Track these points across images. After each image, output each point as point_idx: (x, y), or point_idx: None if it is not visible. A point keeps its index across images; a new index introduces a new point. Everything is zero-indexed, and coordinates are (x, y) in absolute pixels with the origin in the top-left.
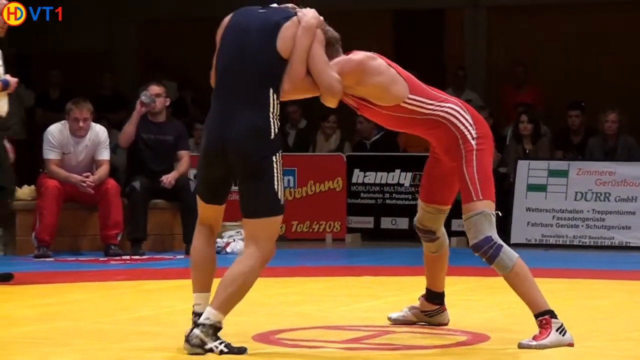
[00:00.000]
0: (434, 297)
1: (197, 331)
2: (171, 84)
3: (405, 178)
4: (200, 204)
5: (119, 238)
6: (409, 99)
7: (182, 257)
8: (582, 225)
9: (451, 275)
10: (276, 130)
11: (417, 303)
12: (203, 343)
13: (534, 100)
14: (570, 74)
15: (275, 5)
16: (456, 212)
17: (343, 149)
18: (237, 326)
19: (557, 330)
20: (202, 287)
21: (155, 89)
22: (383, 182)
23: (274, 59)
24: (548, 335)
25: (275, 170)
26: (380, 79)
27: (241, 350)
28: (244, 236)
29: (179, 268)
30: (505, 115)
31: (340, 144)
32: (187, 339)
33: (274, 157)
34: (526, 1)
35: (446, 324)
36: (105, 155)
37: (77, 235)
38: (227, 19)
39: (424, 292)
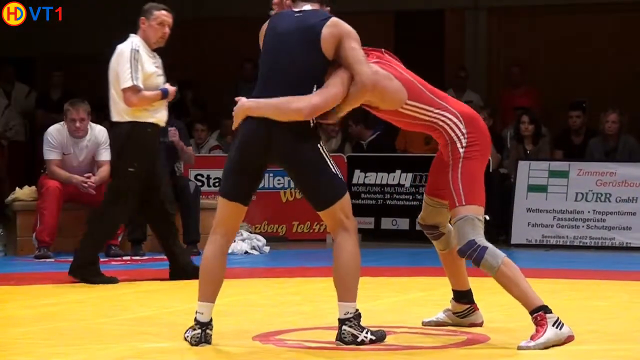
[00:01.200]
0: (461, 296)
1: (347, 328)
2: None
3: (406, 179)
4: (223, 206)
5: (119, 239)
6: (407, 104)
7: None
8: (583, 226)
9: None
10: (314, 121)
11: (450, 305)
12: (355, 337)
13: (531, 101)
14: (571, 75)
15: (308, 6)
16: None
17: (344, 149)
18: (237, 326)
19: (553, 325)
20: (207, 297)
21: None
22: (383, 182)
23: (318, 59)
24: (545, 332)
25: (325, 155)
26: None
27: (382, 335)
28: (328, 226)
29: None
30: (501, 116)
31: (341, 144)
32: (341, 339)
33: (319, 145)
34: (526, 2)
35: (480, 324)
36: (105, 156)
37: (77, 235)
38: (265, 25)
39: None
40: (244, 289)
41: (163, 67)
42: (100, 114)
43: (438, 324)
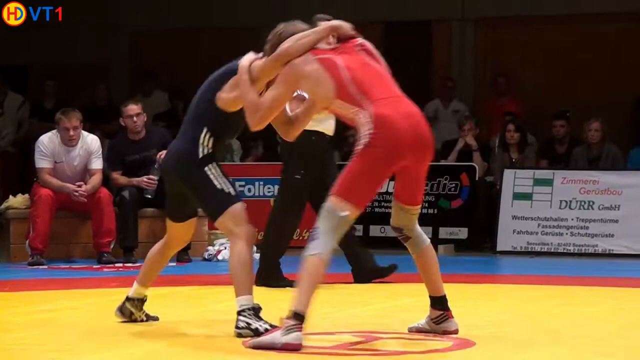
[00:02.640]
0: (435, 302)
1: (241, 318)
2: (162, 94)
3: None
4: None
5: (111, 246)
6: (336, 103)
7: (174, 264)
8: (567, 233)
9: None
10: (207, 150)
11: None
12: (249, 325)
13: (516, 110)
14: (555, 84)
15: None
16: (443, 220)
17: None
18: (230, 332)
19: (284, 330)
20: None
21: (133, 108)
22: None
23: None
24: (271, 334)
25: (210, 175)
26: (303, 82)
27: (297, 337)
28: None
29: (170, 275)
30: (487, 126)
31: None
32: (236, 327)
33: (205, 168)
34: (512, 12)
35: (453, 332)
36: (97, 164)
37: (70, 243)
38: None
39: None
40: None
41: (155, 76)
42: (92, 123)
43: (419, 330)
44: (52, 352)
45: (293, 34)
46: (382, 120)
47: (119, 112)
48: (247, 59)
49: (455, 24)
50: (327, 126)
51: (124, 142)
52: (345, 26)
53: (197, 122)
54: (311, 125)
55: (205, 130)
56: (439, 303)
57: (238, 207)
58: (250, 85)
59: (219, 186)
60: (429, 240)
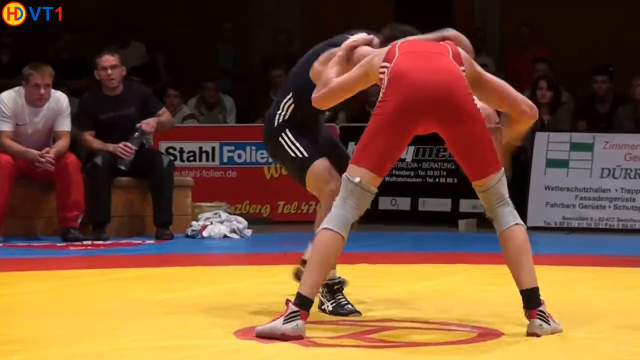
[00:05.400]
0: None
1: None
2: (139, 46)
3: (407, 152)
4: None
5: (79, 220)
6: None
7: (152, 242)
8: (610, 206)
9: (458, 262)
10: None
11: None
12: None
13: (547, 58)
14: (595, 33)
15: None
16: (463, 191)
17: (337, 119)
18: (216, 320)
19: (285, 316)
20: None
21: (109, 59)
22: None
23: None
24: (274, 320)
25: (285, 144)
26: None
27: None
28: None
29: (149, 254)
30: (512, 82)
31: (333, 114)
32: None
33: (280, 138)
34: None
35: (533, 335)
36: (65, 125)
37: (30, 217)
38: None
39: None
40: (222, 277)
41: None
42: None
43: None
44: (12, 343)
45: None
46: (397, 72)
47: (88, 65)
48: (357, 37)
49: None
50: None
51: (97, 97)
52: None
53: (289, 85)
54: None
55: (290, 94)
56: (523, 299)
57: (315, 167)
58: (338, 63)
59: (293, 154)
60: (512, 222)
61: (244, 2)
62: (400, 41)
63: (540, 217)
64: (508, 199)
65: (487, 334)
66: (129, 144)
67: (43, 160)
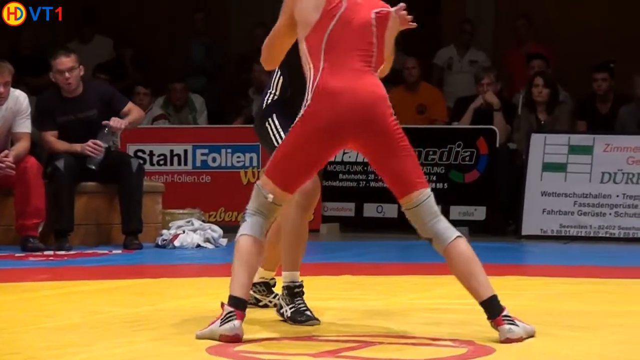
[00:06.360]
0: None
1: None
2: (106, 40)
3: None
4: None
5: (40, 229)
6: (304, 44)
7: (120, 252)
8: (610, 213)
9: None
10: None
11: None
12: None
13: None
14: (594, 30)
15: None
16: (454, 197)
17: None
18: (188, 336)
19: (221, 318)
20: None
21: (64, 61)
22: (366, 160)
23: None
24: (212, 323)
25: (270, 131)
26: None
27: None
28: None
29: (116, 265)
30: (505, 80)
31: None
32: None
33: (266, 123)
34: None
35: (503, 341)
36: (25, 127)
37: None
38: None
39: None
40: (194, 290)
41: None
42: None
43: None
44: None
45: None
46: (320, 92)
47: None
48: None
49: None
50: None
51: (54, 99)
52: None
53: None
54: None
55: (277, 68)
56: (485, 310)
57: None
58: (282, 13)
59: (276, 143)
60: (453, 235)
61: None
62: None
63: (536, 225)
64: (441, 215)
65: (477, 351)
66: (98, 142)
67: (2, 164)
